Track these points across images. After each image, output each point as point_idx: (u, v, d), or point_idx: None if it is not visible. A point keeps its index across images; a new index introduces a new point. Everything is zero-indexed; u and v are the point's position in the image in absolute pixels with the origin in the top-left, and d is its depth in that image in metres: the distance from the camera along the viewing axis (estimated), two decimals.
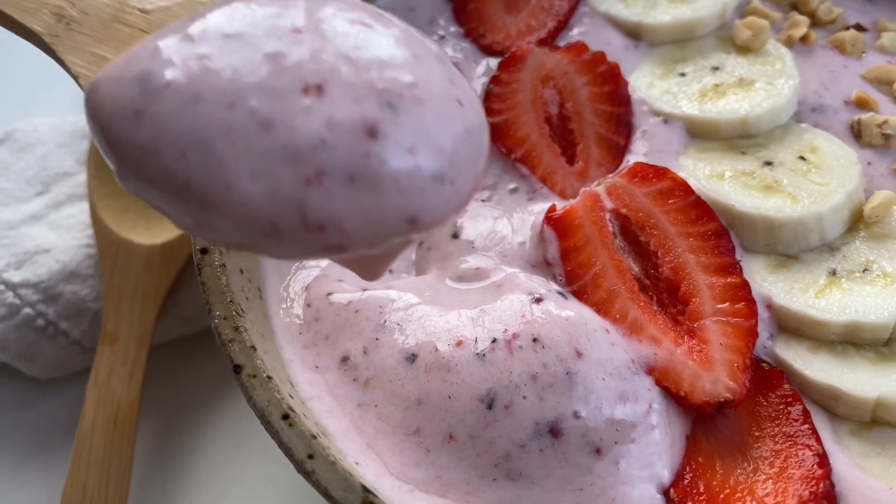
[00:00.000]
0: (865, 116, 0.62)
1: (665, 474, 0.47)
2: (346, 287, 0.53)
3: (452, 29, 0.69)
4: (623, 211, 0.54)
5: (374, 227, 0.33)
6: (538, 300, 0.49)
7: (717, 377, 0.48)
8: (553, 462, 0.45)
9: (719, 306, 0.50)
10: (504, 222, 0.57)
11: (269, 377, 0.44)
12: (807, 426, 0.48)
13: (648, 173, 0.55)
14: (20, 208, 0.73)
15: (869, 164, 0.60)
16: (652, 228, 0.53)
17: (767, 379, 0.50)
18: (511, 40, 0.67)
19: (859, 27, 0.70)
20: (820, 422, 0.49)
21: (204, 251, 0.48)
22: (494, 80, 0.63)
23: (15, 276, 0.68)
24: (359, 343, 0.50)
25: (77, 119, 0.79)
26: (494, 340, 0.48)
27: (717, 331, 0.50)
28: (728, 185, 0.57)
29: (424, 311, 0.51)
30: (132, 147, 0.33)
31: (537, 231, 0.55)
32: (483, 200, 0.59)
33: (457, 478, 0.46)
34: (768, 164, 0.58)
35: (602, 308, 0.51)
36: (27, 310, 0.67)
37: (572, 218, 0.54)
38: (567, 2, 0.68)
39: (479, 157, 0.36)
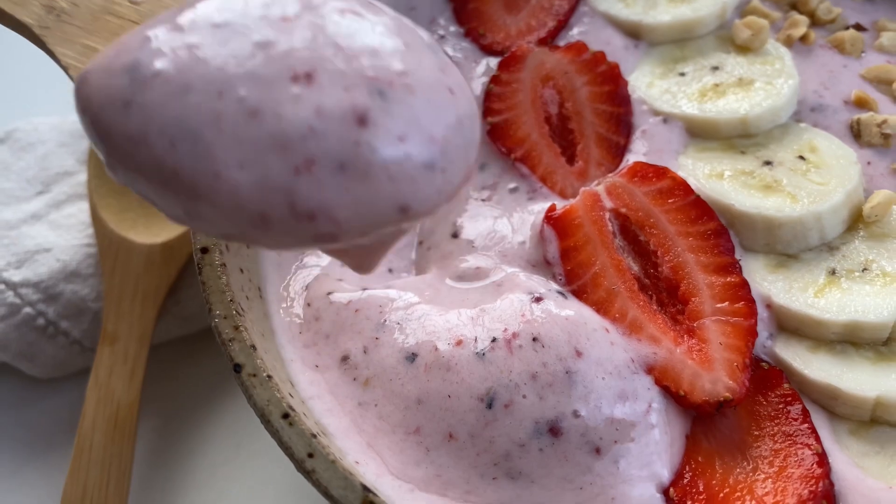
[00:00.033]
0: (865, 116, 0.62)
1: (665, 473, 0.47)
2: (346, 286, 0.53)
3: (452, 28, 0.69)
4: (623, 210, 0.54)
5: (365, 215, 0.33)
6: (538, 299, 0.50)
7: (716, 376, 0.48)
8: (553, 461, 0.46)
9: (719, 305, 0.50)
10: (504, 222, 0.57)
11: (269, 376, 0.44)
12: (806, 425, 0.48)
13: (648, 173, 0.55)
14: (20, 208, 0.73)
15: (868, 163, 0.60)
16: (651, 228, 0.53)
17: (767, 378, 0.50)
18: (511, 40, 0.67)
19: (859, 27, 0.70)
20: (819, 421, 0.49)
21: (204, 250, 0.48)
22: (494, 79, 0.63)
23: (15, 276, 0.68)
24: (359, 342, 0.50)
25: (77, 119, 0.79)
26: (494, 340, 0.48)
27: (717, 330, 0.50)
28: (728, 184, 0.57)
29: (424, 310, 0.51)
30: (121, 137, 0.33)
31: (537, 230, 0.55)
32: (483, 200, 0.59)
33: (457, 477, 0.46)
34: (768, 163, 0.58)
35: (602, 307, 0.51)
36: (27, 309, 0.67)
37: (572, 217, 0.54)
38: (567, 1, 0.68)
39: (471, 145, 0.36)
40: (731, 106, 0.61)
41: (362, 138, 0.32)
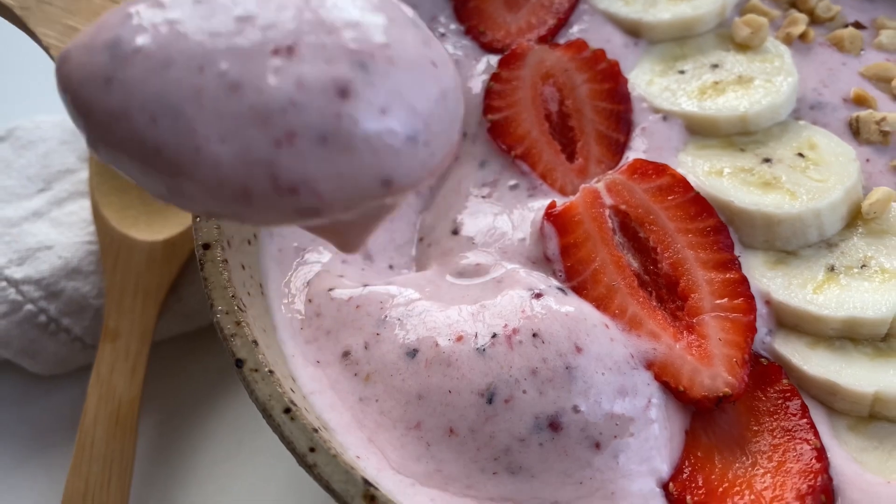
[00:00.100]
0: (864, 113, 0.62)
1: (664, 468, 0.47)
2: (347, 283, 0.54)
3: (453, 26, 0.69)
4: (622, 207, 0.54)
5: (348, 189, 0.33)
6: (538, 296, 0.50)
7: (715, 372, 0.48)
8: (553, 456, 0.46)
9: (718, 302, 0.51)
10: (504, 219, 0.57)
11: (270, 371, 0.44)
12: (805, 421, 0.48)
13: (648, 170, 0.55)
14: (22, 205, 0.73)
15: (867, 160, 0.60)
16: (651, 224, 0.53)
17: (766, 374, 0.51)
18: (511, 38, 0.67)
19: (858, 25, 0.71)
20: (818, 416, 0.50)
21: (206, 246, 0.48)
22: (495, 77, 0.63)
23: (17, 273, 0.68)
24: (360, 338, 0.50)
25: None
26: (494, 335, 0.48)
27: (716, 326, 0.50)
28: (727, 181, 0.57)
29: (425, 306, 0.51)
30: (102, 113, 0.33)
31: (537, 227, 0.55)
32: (483, 197, 0.60)
33: (457, 471, 0.46)
34: (767, 160, 0.58)
35: (601, 304, 0.51)
36: (29, 306, 0.67)
37: (572, 214, 0.54)
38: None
39: (455, 119, 0.36)
40: (730, 103, 0.61)
41: (344, 110, 0.32)
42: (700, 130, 0.61)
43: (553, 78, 0.63)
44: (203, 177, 0.32)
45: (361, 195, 0.33)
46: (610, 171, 0.57)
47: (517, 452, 0.46)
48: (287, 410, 0.43)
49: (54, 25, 0.41)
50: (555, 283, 0.52)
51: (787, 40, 0.67)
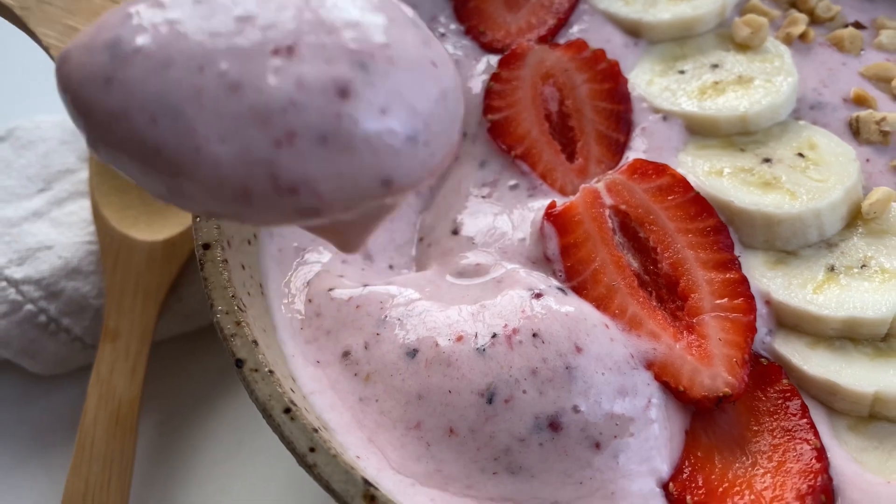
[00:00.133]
0: (864, 113, 0.62)
1: (664, 468, 0.47)
2: (347, 283, 0.54)
3: (453, 26, 0.69)
4: (622, 207, 0.54)
5: (348, 189, 0.33)
6: (538, 296, 0.50)
7: (715, 372, 0.48)
8: (553, 456, 0.46)
9: (718, 302, 0.51)
10: (504, 219, 0.57)
11: (270, 371, 0.44)
12: (805, 421, 0.48)
13: (648, 170, 0.55)
14: (22, 205, 0.73)
15: (867, 160, 0.60)
16: (651, 224, 0.53)
17: (766, 374, 0.51)
18: (511, 38, 0.67)
19: (858, 25, 0.71)
20: (818, 416, 0.50)
21: (206, 246, 0.48)
22: (495, 77, 0.63)
23: (17, 273, 0.68)
24: (360, 338, 0.50)
25: None
26: (494, 335, 0.48)
27: (716, 326, 0.50)
28: (727, 181, 0.57)
29: (425, 306, 0.51)
30: (102, 113, 0.33)
31: (537, 227, 0.55)
32: (483, 197, 0.60)
33: (457, 471, 0.46)
34: (767, 160, 0.58)
35: (601, 304, 0.51)
36: (29, 306, 0.67)
37: (572, 214, 0.54)
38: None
39: (455, 119, 0.36)
40: (730, 103, 0.61)
41: (344, 110, 0.32)
42: (700, 130, 0.61)
43: (553, 78, 0.63)
44: (203, 177, 0.32)
45: (361, 195, 0.33)
46: (610, 171, 0.57)
47: (517, 452, 0.46)
48: (287, 410, 0.43)
49: (54, 25, 0.41)
50: (555, 283, 0.52)
51: (787, 40, 0.67)
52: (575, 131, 0.62)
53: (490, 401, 0.46)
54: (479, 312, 0.50)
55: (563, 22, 0.68)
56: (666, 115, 0.62)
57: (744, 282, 0.51)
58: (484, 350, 0.47)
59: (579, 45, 0.63)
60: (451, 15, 0.70)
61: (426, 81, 0.34)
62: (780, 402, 0.49)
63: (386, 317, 0.51)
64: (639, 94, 0.63)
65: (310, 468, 0.42)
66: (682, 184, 0.54)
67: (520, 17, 0.69)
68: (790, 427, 0.48)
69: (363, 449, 0.47)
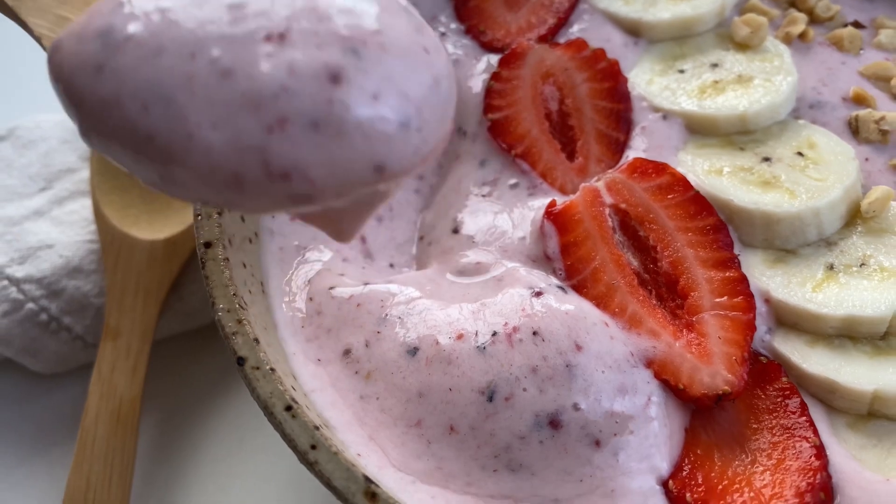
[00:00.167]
0: (863, 113, 0.62)
1: (664, 466, 0.48)
2: (347, 281, 0.54)
3: (453, 26, 0.69)
4: (622, 206, 0.54)
5: (340, 175, 0.33)
6: (538, 294, 0.50)
7: (715, 370, 0.49)
8: (553, 453, 0.46)
9: (718, 300, 0.51)
10: (504, 217, 0.57)
11: (272, 369, 0.44)
12: (804, 418, 0.48)
13: (648, 169, 0.55)
14: (23, 204, 0.73)
15: (866, 159, 0.60)
16: (651, 223, 0.54)
17: (765, 372, 0.51)
18: (511, 37, 0.67)
19: (857, 24, 0.71)
20: (817, 414, 0.50)
21: (208, 245, 0.49)
22: (495, 76, 0.63)
23: (18, 272, 0.68)
24: (360, 336, 0.50)
25: None
26: (495, 334, 0.48)
27: (716, 324, 0.50)
28: (727, 180, 0.57)
29: (425, 304, 0.51)
30: (94, 101, 0.33)
31: (537, 226, 0.55)
32: (483, 196, 0.60)
33: (458, 469, 0.46)
34: (766, 159, 0.59)
35: (601, 302, 0.51)
36: (30, 305, 0.67)
37: (572, 213, 0.54)
38: None
39: (448, 105, 0.36)
40: (730, 103, 0.61)
41: (335, 96, 0.32)
42: (700, 129, 0.61)
43: (553, 77, 0.63)
44: (195, 164, 0.32)
45: (354, 181, 0.33)
46: (610, 170, 0.57)
47: (517, 450, 0.46)
48: (288, 408, 0.43)
49: (46, 15, 0.41)
50: (555, 281, 0.52)
51: (787, 40, 0.67)
52: (575, 130, 0.62)
53: (490, 399, 0.46)
54: (479, 311, 0.50)
55: (563, 21, 0.68)
56: (666, 114, 0.62)
57: (743, 280, 0.51)
58: (484, 348, 0.48)
59: (579, 45, 0.63)
60: (452, 14, 0.70)
61: (418, 68, 0.34)
62: (779, 400, 0.50)
63: (387, 315, 0.51)
64: (638, 93, 0.63)
65: (311, 465, 0.42)
66: (682, 183, 0.54)
67: (520, 16, 0.69)
68: (789, 425, 0.49)
69: (364, 447, 0.47)
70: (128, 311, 0.67)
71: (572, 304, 0.50)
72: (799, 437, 0.48)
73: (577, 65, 0.63)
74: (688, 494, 0.47)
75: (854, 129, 0.62)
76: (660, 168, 0.55)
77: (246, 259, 0.52)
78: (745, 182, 0.57)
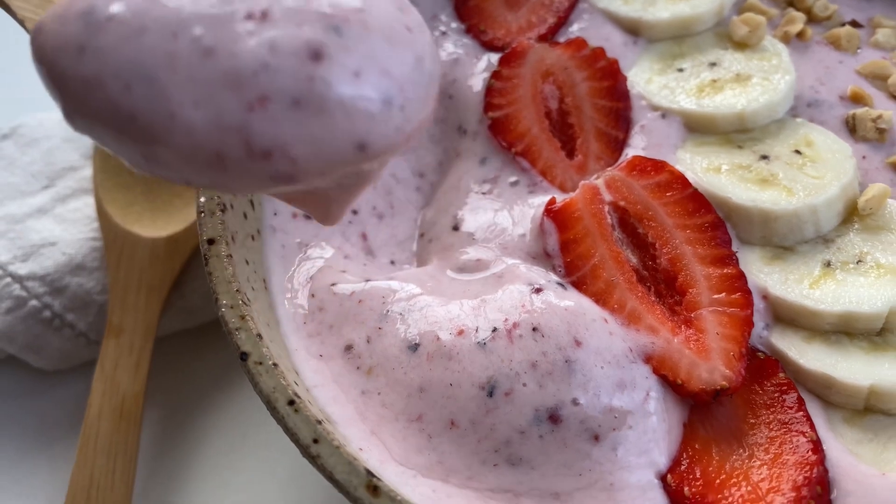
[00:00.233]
0: (860, 111, 0.63)
1: (662, 460, 0.48)
2: (349, 278, 0.54)
3: (454, 25, 0.70)
4: (622, 203, 0.55)
5: (322, 153, 0.33)
6: (538, 290, 0.50)
7: (713, 366, 0.49)
8: (552, 448, 0.46)
9: (716, 296, 0.51)
10: (504, 214, 0.58)
11: (274, 364, 0.45)
12: (801, 413, 0.49)
13: (647, 166, 0.55)
14: (26, 202, 0.74)
15: (864, 157, 0.61)
16: (650, 220, 0.54)
17: (763, 368, 0.51)
18: (511, 36, 0.68)
19: (855, 23, 0.71)
20: (814, 409, 0.50)
21: (211, 242, 0.49)
22: (495, 75, 0.64)
23: (21, 269, 0.69)
24: (362, 332, 0.51)
25: None
26: (495, 329, 0.48)
27: (714, 320, 0.50)
28: (725, 178, 0.58)
29: (426, 301, 0.51)
30: (77, 81, 0.33)
31: (537, 223, 0.56)
32: (484, 193, 0.60)
33: (458, 463, 0.47)
34: (764, 157, 0.59)
35: (601, 298, 0.52)
36: (33, 302, 0.68)
37: (572, 210, 0.55)
38: None
39: (431, 84, 0.36)
40: (728, 101, 0.62)
41: (317, 73, 0.32)
42: (698, 128, 0.62)
43: (553, 76, 0.64)
44: (177, 143, 0.32)
45: (336, 160, 0.33)
46: (609, 168, 0.57)
47: (517, 444, 0.46)
48: (291, 402, 0.43)
49: None
50: (554, 278, 0.53)
51: (785, 39, 0.68)
52: (574, 128, 0.62)
53: (491, 394, 0.47)
54: (479, 307, 0.50)
55: (562, 20, 0.69)
56: (665, 113, 0.62)
57: (741, 277, 0.52)
58: (485, 344, 0.48)
59: (579, 44, 0.64)
60: (452, 13, 0.71)
61: (401, 46, 0.34)
62: (776, 395, 0.50)
63: (388, 311, 0.51)
64: (638, 91, 0.64)
65: (313, 459, 0.42)
66: (681, 180, 0.55)
67: (520, 15, 0.69)
68: (787, 420, 0.49)
69: (365, 441, 0.47)
70: (130, 308, 0.68)
71: (572, 301, 0.50)
72: (796, 431, 0.48)
73: (577, 64, 0.63)
74: (686, 488, 0.47)
75: (851, 128, 0.63)
76: (659, 166, 0.55)
77: (249, 256, 0.52)
78: (743, 180, 0.58)
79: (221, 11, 0.32)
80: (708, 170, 0.58)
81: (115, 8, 0.32)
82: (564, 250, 0.54)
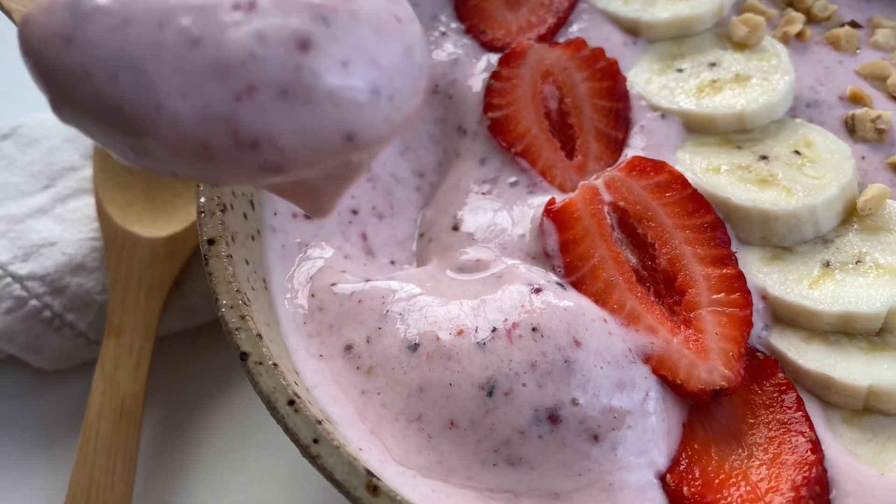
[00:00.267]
0: (859, 111, 0.63)
1: (661, 460, 0.48)
2: (349, 278, 0.54)
3: (454, 25, 0.70)
4: (621, 204, 0.55)
5: (310, 143, 0.33)
6: (537, 290, 0.50)
7: (712, 366, 0.49)
8: (552, 448, 0.46)
9: (715, 297, 0.51)
10: (504, 215, 0.58)
11: (274, 364, 0.45)
12: (800, 414, 0.49)
13: (646, 167, 0.56)
14: (26, 202, 0.74)
15: (863, 158, 0.61)
16: (649, 221, 0.54)
17: (762, 368, 0.51)
18: (511, 36, 0.68)
19: (854, 24, 0.71)
20: (813, 410, 0.50)
21: (211, 242, 0.49)
22: (495, 75, 0.64)
23: (21, 269, 0.69)
24: (362, 332, 0.51)
25: None
26: (494, 330, 0.49)
27: (713, 320, 0.51)
28: (724, 178, 0.58)
29: (426, 301, 0.51)
30: (64, 72, 0.33)
31: (537, 223, 0.56)
32: (483, 193, 0.60)
33: (458, 463, 0.47)
34: (764, 158, 0.59)
35: (600, 298, 0.52)
36: (34, 302, 0.68)
37: (571, 211, 0.55)
38: None
39: (420, 74, 0.36)
40: (727, 101, 0.62)
41: (304, 63, 0.32)
42: (698, 128, 0.62)
43: (553, 76, 0.64)
44: (164, 134, 0.32)
45: (324, 150, 0.33)
46: (609, 169, 0.58)
47: (517, 444, 0.47)
48: (291, 402, 0.43)
49: None
50: (554, 278, 0.53)
51: (784, 39, 0.68)
52: (574, 129, 0.62)
53: (490, 394, 0.47)
54: (479, 307, 0.50)
55: (562, 21, 0.69)
56: (664, 113, 0.63)
57: (740, 277, 0.52)
58: (484, 344, 0.48)
59: (578, 44, 0.64)
60: (452, 14, 0.71)
61: (390, 36, 0.34)
62: (775, 395, 0.50)
63: (387, 311, 0.51)
64: (637, 92, 0.64)
65: (313, 459, 0.42)
66: (680, 181, 0.55)
67: (520, 15, 0.69)
68: (786, 420, 0.49)
69: (365, 441, 0.48)
70: (130, 308, 0.68)
71: (571, 301, 0.50)
72: (795, 431, 0.48)
73: (577, 64, 0.63)
74: (685, 488, 0.47)
75: (850, 128, 0.63)
76: (658, 166, 0.55)
77: (249, 256, 0.52)
78: (742, 180, 0.58)
79: (208, 1, 0.32)
80: (707, 170, 0.58)
81: None
82: (564, 250, 0.54)
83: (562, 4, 0.69)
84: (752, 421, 0.50)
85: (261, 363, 0.45)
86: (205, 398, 0.70)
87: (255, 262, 0.53)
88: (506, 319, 0.49)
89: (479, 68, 0.66)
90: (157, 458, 0.67)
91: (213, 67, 0.31)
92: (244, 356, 0.45)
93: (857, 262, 0.54)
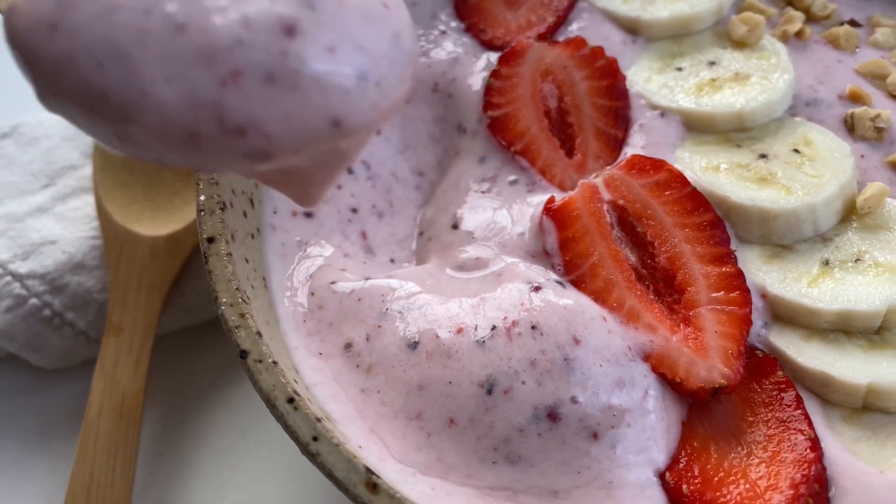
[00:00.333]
0: (859, 110, 0.63)
1: (661, 458, 0.48)
2: (349, 276, 0.54)
3: (453, 24, 0.70)
4: (620, 202, 0.55)
5: (297, 129, 0.33)
6: (537, 289, 0.50)
7: (712, 364, 0.49)
8: (551, 446, 0.47)
9: (714, 295, 0.51)
10: (504, 213, 0.58)
11: (274, 362, 0.45)
12: (799, 412, 0.49)
13: (646, 165, 0.56)
14: (26, 200, 0.74)
15: (862, 156, 0.61)
16: (649, 219, 0.54)
17: (761, 366, 0.51)
18: (511, 35, 0.68)
19: (853, 23, 0.72)
20: (812, 408, 0.50)
21: (210, 240, 0.49)
22: (494, 74, 0.64)
23: (21, 267, 0.69)
24: (361, 330, 0.51)
25: None
26: (494, 328, 0.49)
27: (712, 319, 0.51)
28: (724, 177, 0.58)
29: (426, 299, 0.52)
30: (49, 60, 0.32)
31: (536, 222, 0.56)
32: (483, 192, 0.60)
33: (457, 461, 0.47)
34: (763, 156, 0.59)
35: (600, 297, 0.52)
36: (34, 300, 0.68)
37: (571, 209, 0.55)
38: None
39: (408, 61, 0.36)
40: (727, 100, 0.62)
41: (290, 48, 0.32)
42: (697, 127, 0.62)
43: (552, 75, 0.64)
44: (150, 121, 0.32)
45: (311, 136, 0.33)
46: (608, 167, 0.58)
47: (516, 442, 0.47)
48: (290, 400, 0.43)
49: None
50: (553, 276, 0.53)
51: (784, 38, 0.68)
52: (574, 127, 0.62)
53: (490, 392, 0.47)
54: (478, 305, 0.50)
55: (562, 20, 0.69)
56: (664, 112, 0.63)
57: (740, 275, 0.52)
58: (484, 342, 0.48)
59: (578, 43, 0.64)
60: (452, 13, 0.71)
61: (377, 22, 0.34)
62: (775, 393, 0.50)
63: (387, 309, 0.51)
64: (637, 90, 0.64)
65: (313, 457, 0.42)
66: (680, 179, 0.55)
67: (520, 14, 0.69)
68: (785, 418, 0.49)
69: (365, 439, 0.48)
70: (130, 306, 0.68)
71: (571, 299, 0.50)
72: (794, 429, 0.48)
73: (576, 63, 0.63)
74: (684, 486, 0.47)
75: (850, 127, 0.63)
76: (657, 165, 0.55)
77: (248, 254, 0.52)
78: (741, 179, 0.58)
79: None
80: (707, 168, 0.59)
81: None
82: (563, 249, 0.54)
83: (561, 3, 0.69)
84: (751, 419, 0.50)
85: (260, 361, 0.45)
86: (205, 396, 0.70)
87: (255, 261, 0.53)
88: (505, 317, 0.49)
89: (478, 67, 0.66)
90: (157, 456, 0.67)
91: (199, 53, 0.31)
92: (244, 354, 0.45)
93: (856, 261, 0.55)
